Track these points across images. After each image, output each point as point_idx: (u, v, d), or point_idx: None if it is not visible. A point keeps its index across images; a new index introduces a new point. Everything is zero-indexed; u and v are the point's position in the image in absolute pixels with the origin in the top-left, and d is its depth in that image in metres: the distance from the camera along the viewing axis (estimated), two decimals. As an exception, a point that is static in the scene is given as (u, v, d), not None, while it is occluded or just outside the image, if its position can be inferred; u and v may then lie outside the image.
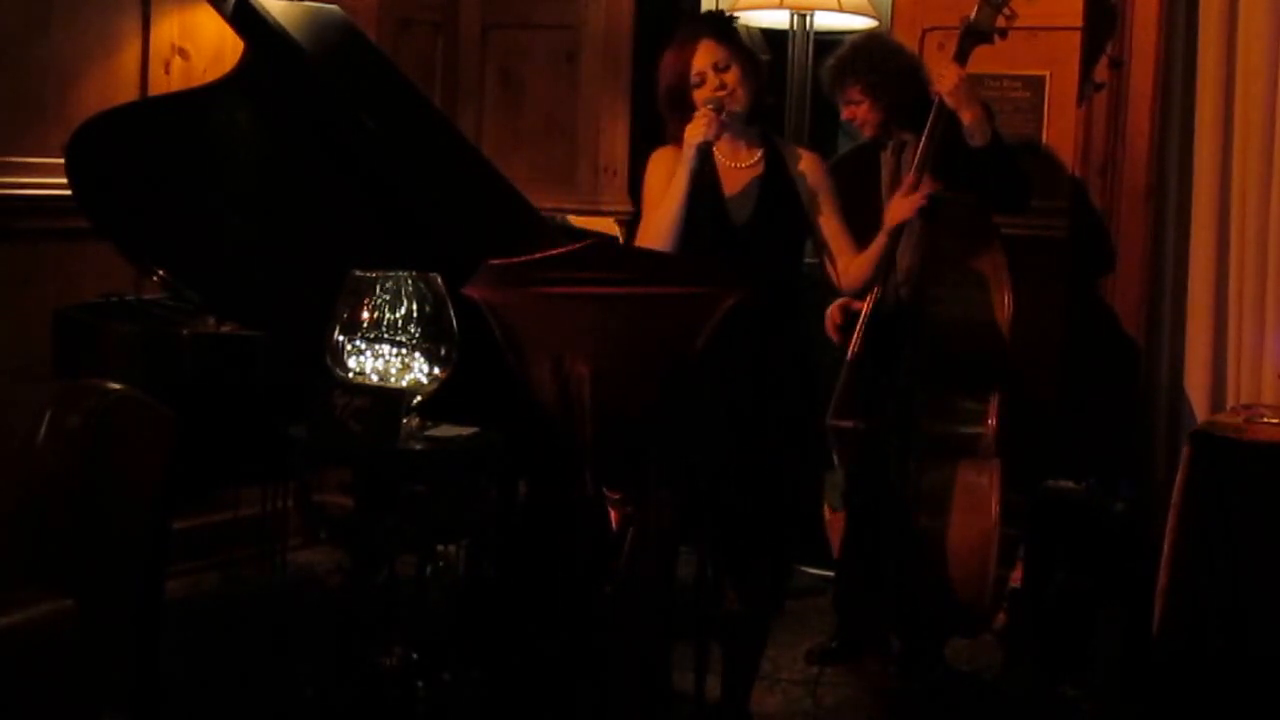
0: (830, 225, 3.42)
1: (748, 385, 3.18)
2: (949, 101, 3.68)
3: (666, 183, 3.30)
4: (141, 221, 3.60)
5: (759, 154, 3.38)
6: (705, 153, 3.24)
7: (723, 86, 3.27)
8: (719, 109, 3.24)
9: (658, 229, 3.29)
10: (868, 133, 3.96)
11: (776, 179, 3.36)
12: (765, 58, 6.27)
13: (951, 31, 3.92)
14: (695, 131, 3.23)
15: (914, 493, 3.71)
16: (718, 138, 3.25)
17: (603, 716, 3.04)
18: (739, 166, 3.37)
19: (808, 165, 3.40)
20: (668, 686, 3.27)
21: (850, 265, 3.44)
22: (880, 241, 3.50)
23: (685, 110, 3.29)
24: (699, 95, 3.28)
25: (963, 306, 3.74)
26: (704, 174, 3.26)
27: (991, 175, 3.76)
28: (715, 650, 3.41)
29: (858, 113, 3.93)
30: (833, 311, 3.95)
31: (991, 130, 3.72)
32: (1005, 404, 3.77)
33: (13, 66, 4.11)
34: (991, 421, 3.74)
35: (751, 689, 3.51)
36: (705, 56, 3.30)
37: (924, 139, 3.71)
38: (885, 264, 3.79)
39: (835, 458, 3.98)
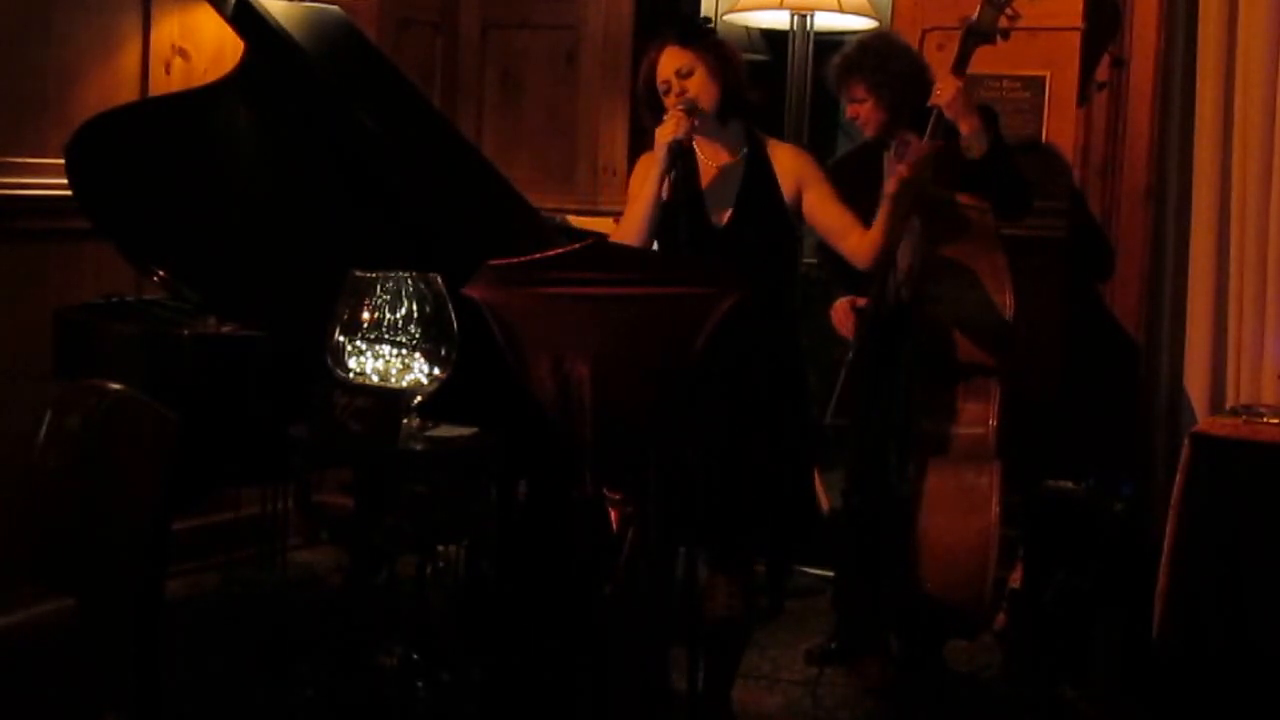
0: (826, 207, 3.39)
1: (731, 385, 3.18)
2: (947, 113, 3.68)
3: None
4: (141, 221, 3.60)
5: (740, 153, 3.39)
6: (678, 153, 3.26)
7: (684, 92, 3.29)
8: (690, 110, 3.27)
9: (627, 229, 3.37)
10: (870, 132, 3.95)
11: (757, 178, 3.37)
12: (763, 58, 6.30)
13: (951, 32, 3.92)
14: (665, 132, 3.27)
15: (914, 493, 3.71)
16: (688, 137, 3.27)
17: (602, 716, 3.03)
18: (717, 166, 3.39)
19: (787, 157, 3.40)
20: (667, 687, 3.27)
21: (862, 240, 3.42)
22: (886, 208, 3.44)
23: (659, 113, 3.34)
24: (667, 103, 3.33)
25: (963, 307, 3.73)
26: (686, 174, 3.29)
27: (992, 183, 3.76)
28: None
29: (861, 111, 3.92)
30: (840, 306, 3.95)
31: (989, 140, 3.72)
32: (1005, 404, 3.77)
33: (13, 66, 4.11)
34: (992, 422, 3.74)
35: (732, 685, 3.51)
36: (669, 63, 3.34)
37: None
38: (886, 262, 3.80)
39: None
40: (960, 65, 3.73)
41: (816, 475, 4.46)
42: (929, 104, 3.72)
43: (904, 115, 3.88)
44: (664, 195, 3.30)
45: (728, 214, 3.35)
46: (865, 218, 3.96)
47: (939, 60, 4.31)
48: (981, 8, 3.73)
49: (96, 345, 3.57)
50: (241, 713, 3.58)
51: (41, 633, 2.70)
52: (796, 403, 3.44)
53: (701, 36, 3.37)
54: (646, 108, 3.41)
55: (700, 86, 3.30)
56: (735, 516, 3.27)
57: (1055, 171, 4.43)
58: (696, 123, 3.28)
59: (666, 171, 3.26)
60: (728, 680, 3.49)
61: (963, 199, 3.80)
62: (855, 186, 4.02)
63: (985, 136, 3.70)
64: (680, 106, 3.28)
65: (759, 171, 3.37)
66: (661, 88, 3.34)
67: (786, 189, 3.37)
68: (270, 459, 3.45)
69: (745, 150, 3.39)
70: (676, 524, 3.03)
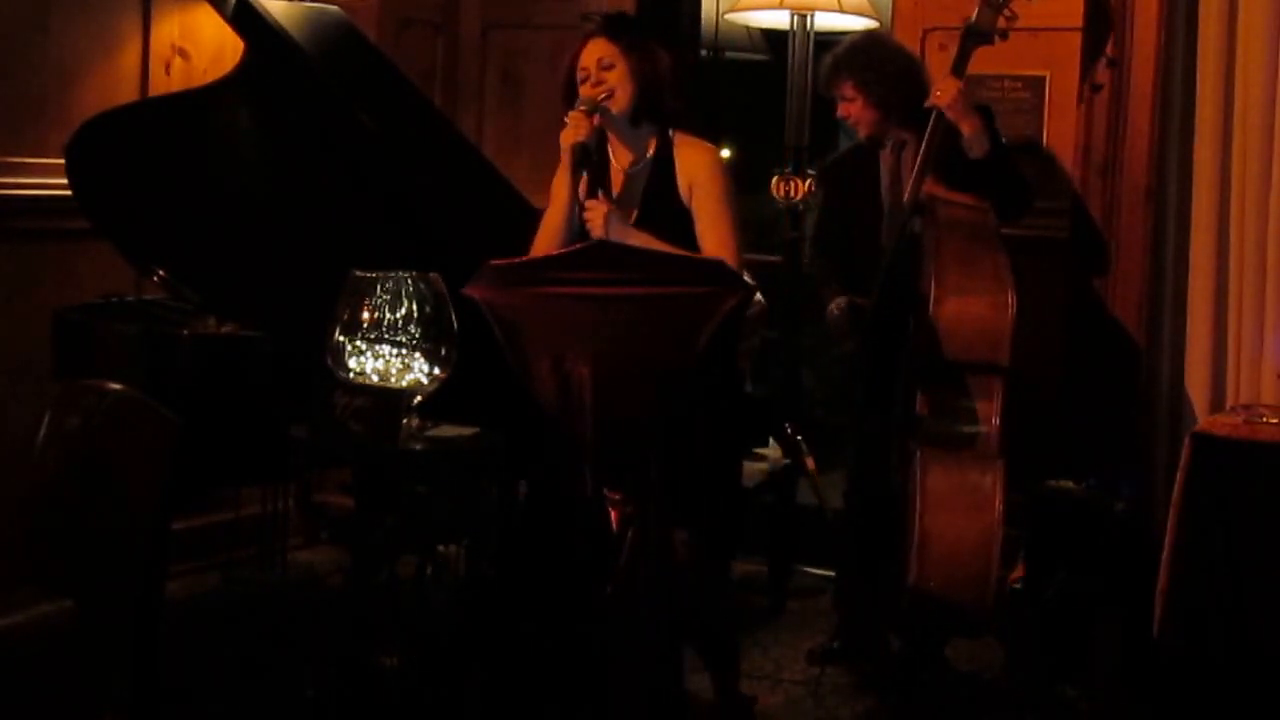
0: (700, 213, 3.31)
1: None
2: (949, 115, 3.68)
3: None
4: (141, 221, 3.61)
5: (647, 156, 3.37)
6: (582, 154, 3.24)
7: (600, 83, 3.28)
8: (590, 110, 3.25)
9: (544, 233, 3.36)
10: (863, 131, 3.95)
11: (659, 180, 3.35)
12: (763, 58, 6.30)
13: (952, 32, 3.92)
14: (566, 135, 3.26)
15: (917, 492, 3.70)
16: (591, 138, 3.25)
17: (604, 717, 3.03)
18: (625, 170, 3.38)
19: (687, 155, 3.34)
20: (681, 689, 3.26)
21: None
22: None
23: (572, 103, 3.32)
24: (581, 92, 3.30)
25: (965, 306, 3.73)
26: (599, 175, 3.28)
27: (992, 184, 3.76)
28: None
29: (852, 110, 3.93)
30: (838, 305, 3.94)
31: (990, 139, 3.72)
32: (1008, 404, 3.77)
33: (13, 66, 4.11)
34: (995, 421, 3.74)
35: (737, 678, 3.50)
36: (592, 53, 3.32)
37: (922, 150, 3.71)
38: (885, 262, 3.80)
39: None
40: (959, 66, 3.73)
41: (814, 471, 4.46)
42: (927, 105, 3.72)
43: (896, 113, 3.88)
44: (581, 196, 3.27)
45: (633, 217, 3.34)
46: (861, 217, 3.97)
47: (940, 60, 4.31)
48: (980, 8, 3.74)
49: (96, 345, 3.57)
50: (241, 713, 3.58)
51: (40, 634, 2.70)
52: (725, 391, 3.37)
53: (628, 33, 3.36)
54: (563, 98, 3.38)
55: (617, 82, 3.29)
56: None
57: (1055, 172, 4.43)
58: (598, 120, 3.27)
59: (576, 173, 3.25)
60: (731, 670, 3.47)
61: (963, 199, 3.80)
62: (850, 186, 4.04)
63: (985, 136, 3.70)
64: (580, 107, 3.26)
65: (662, 173, 3.35)
66: (580, 75, 3.32)
67: (682, 187, 3.33)
68: (270, 459, 3.46)
69: (651, 153, 3.37)
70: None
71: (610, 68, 3.29)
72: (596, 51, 3.32)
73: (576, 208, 3.28)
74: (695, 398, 3.14)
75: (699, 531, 3.30)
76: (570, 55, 3.37)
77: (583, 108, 3.25)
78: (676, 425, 3.04)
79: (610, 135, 3.36)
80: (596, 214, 3.24)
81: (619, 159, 3.38)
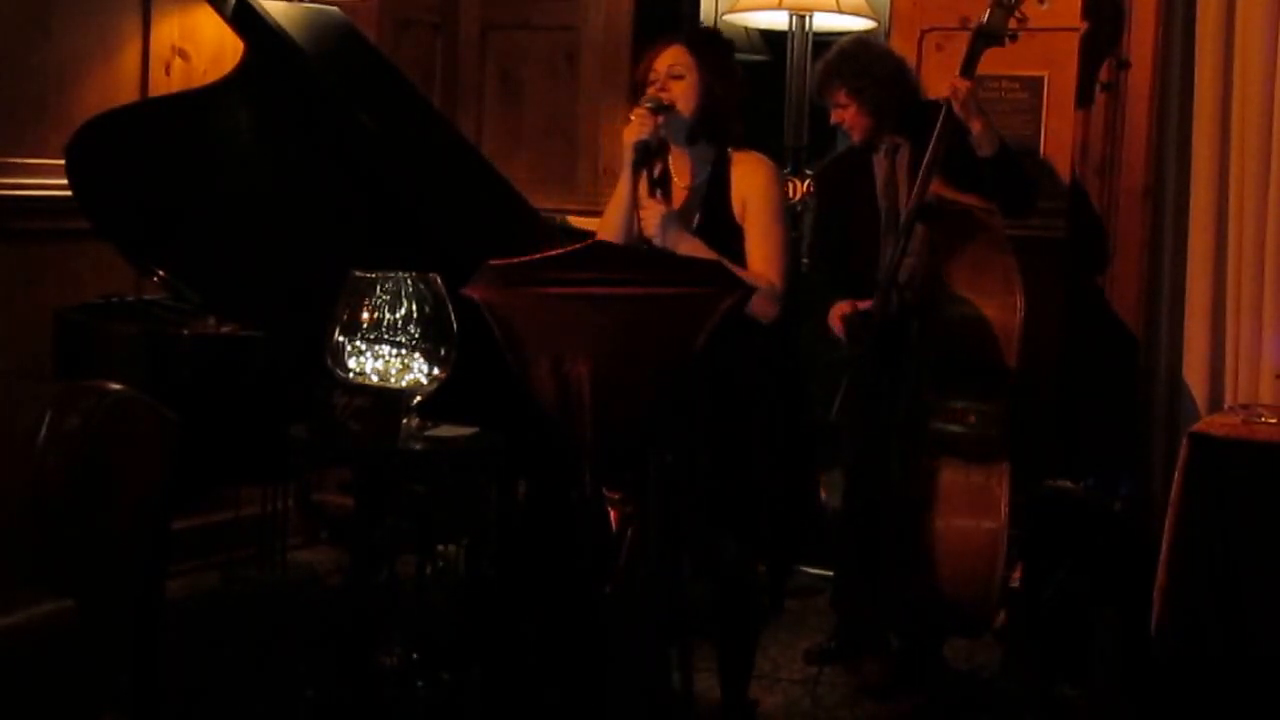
0: (751, 227, 3.30)
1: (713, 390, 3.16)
2: (960, 113, 3.68)
3: None
4: (141, 221, 3.61)
5: (704, 174, 3.35)
6: (644, 152, 3.24)
7: (664, 89, 3.28)
8: (655, 108, 3.25)
9: (605, 229, 3.36)
10: (856, 137, 3.96)
11: (714, 200, 3.34)
12: (763, 58, 6.30)
13: (950, 32, 3.93)
14: (630, 132, 3.25)
15: (923, 493, 3.71)
16: (655, 136, 3.25)
17: (603, 717, 3.04)
18: (683, 186, 3.37)
19: (742, 170, 3.33)
20: (684, 686, 3.26)
21: (749, 275, 3.18)
22: None
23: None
24: (646, 93, 3.30)
25: (975, 309, 3.73)
26: (663, 179, 3.28)
27: (999, 181, 3.77)
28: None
29: (845, 116, 3.94)
30: (839, 309, 3.94)
31: (998, 137, 3.74)
32: (1013, 406, 3.77)
33: (13, 66, 4.12)
34: (1003, 423, 3.74)
35: (748, 683, 3.51)
36: (667, 59, 3.32)
37: (930, 150, 3.71)
38: (890, 265, 3.80)
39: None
40: (969, 67, 3.74)
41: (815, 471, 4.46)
42: (923, 90, 3.73)
43: (888, 118, 3.89)
44: (642, 194, 3.26)
45: (690, 233, 3.33)
46: (857, 220, 3.97)
47: (938, 60, 4.32)
48: (991, 10, 3.74)
49: (96, 345, 3.57)
50: (241, 713, 3.58)
51: (40, 634, 2.70)
52: (786, 407, 3.40)
53: (709, 48, 3.36)
54: (632, 97, 3.38)
55: (682, 93, 3.28)
56: (716, 503, 3.26)
57: (1053, 172, 4.44)
58: (663, 120, 3.27)
59: (636, 171, 3.25)
60: (744, 673, 3.47)
61: (971, 200, 3.81)
62: (847, 190, 4.04)
63: (995, 133, 3.72)
64: (646, 104, 3.26)
65: (717, 191, 3.34)
66: (650, 78, 3.32)
67: (736, 205, 3.32)
68: (270, 459, 3.46)
69: (712, 168, 3.35)
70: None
71: (680, 77, 3.29)
72: (671, 58, 3.31)
73: (635, 208, 3.27)
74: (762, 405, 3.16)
75: (741, 537, 3.32)
76: (648, 55, 3.36)
77: (648, 105, 3.25)
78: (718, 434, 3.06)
79: (672, 150, 3.36)
80: (652, 214, 3.25)
81: (680, 176, 3.38)
